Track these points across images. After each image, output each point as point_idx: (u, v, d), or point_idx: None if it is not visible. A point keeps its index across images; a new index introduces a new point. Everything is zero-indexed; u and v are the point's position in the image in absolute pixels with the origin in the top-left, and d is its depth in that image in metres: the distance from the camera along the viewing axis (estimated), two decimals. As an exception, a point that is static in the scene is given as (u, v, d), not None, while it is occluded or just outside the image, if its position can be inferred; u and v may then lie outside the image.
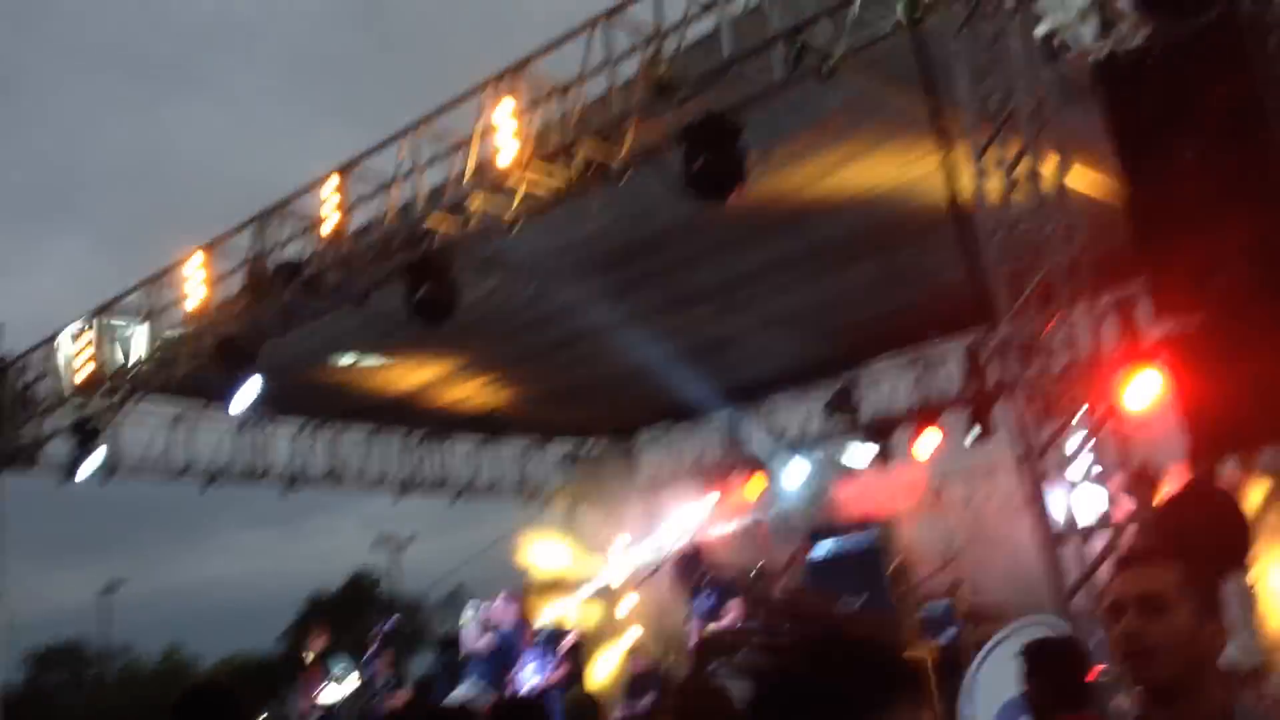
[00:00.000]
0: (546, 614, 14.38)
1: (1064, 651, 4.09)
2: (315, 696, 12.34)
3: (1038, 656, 4.01)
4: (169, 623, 46.01)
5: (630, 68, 8.11)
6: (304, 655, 12.93)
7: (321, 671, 12.48)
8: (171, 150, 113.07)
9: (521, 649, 11.97)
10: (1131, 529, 6.21)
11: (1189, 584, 2.35)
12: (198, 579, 69.12)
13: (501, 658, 11.96)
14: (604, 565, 16.99)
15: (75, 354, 11.56)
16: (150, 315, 11.23)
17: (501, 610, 12.37)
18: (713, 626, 11.39)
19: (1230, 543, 7.84)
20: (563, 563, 16.81)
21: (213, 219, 10.82)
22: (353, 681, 12.65)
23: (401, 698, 12.72)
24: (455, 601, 40.53)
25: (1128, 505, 6.36)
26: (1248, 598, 7.79)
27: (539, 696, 11.65)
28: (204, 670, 43.37)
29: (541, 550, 16.45)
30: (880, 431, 14.48)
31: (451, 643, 13.87)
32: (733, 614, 11.65)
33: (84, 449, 12.01)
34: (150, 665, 42.61)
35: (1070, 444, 6.46)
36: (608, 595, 16.50)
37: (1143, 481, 9.73)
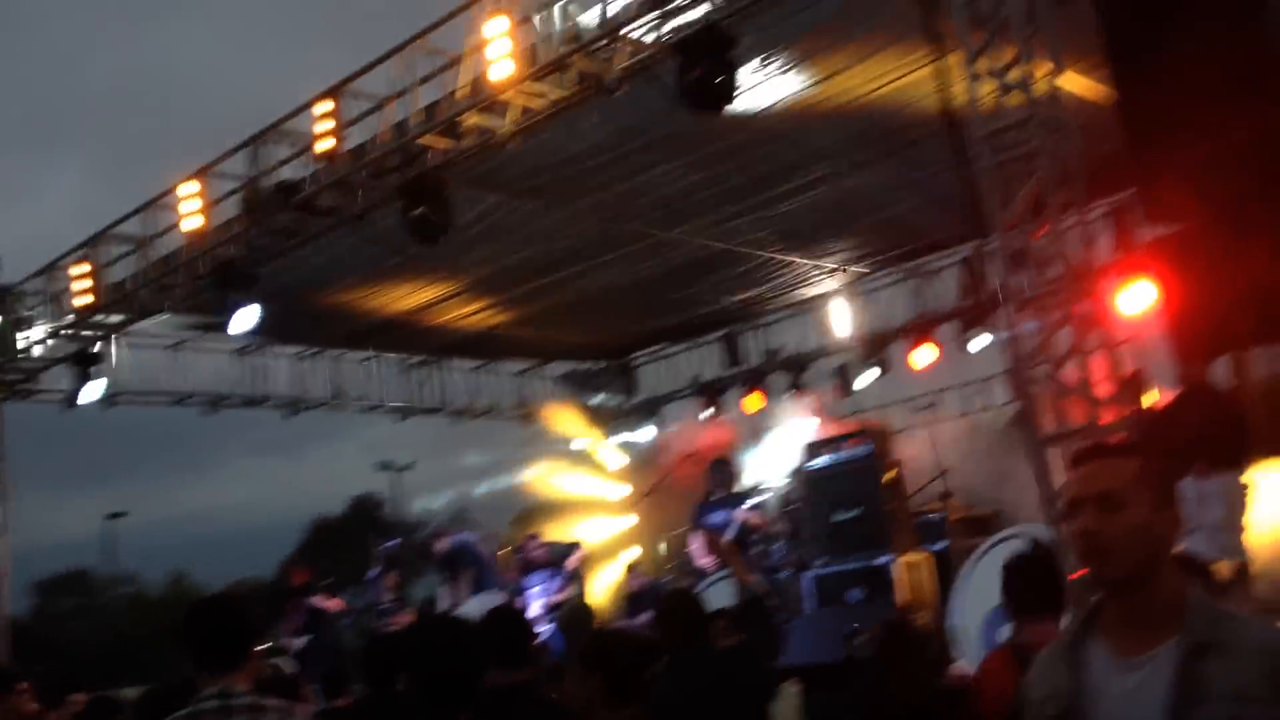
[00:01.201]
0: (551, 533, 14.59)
1: (1037, 562, 4.21)
2: (296, 625, 12.57)
3: (1012, 570, 4.14)
4: (174, 550, 46.53)
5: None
6: (289, 587, 13.15)
7: (302, 606, 12.69)
8: (163, 73, 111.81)
9: (478, 555, 12.28)
10: (1119, 432, 6.30)
11: (1145, 476, 2.38)
12: (202, 506, 69.90)
13: (453, 562, 12.27)
14: (604, 483, 17.23)
15: (73, 280, 11.57)
16: (147, 241, 11.22)
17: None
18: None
19: (1225, 442, 7.96)
20: (566, 482, 17.03)
21: (207, 142, 10.78)
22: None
23: (405, 618, 12.91)
24: (458, 523, 41.05)
25: (1116, 411, 6.44)
26: (1238, 498, 7.92)
27: (547, 614, 11.90)
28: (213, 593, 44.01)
29: (545, 471, 16.68)
30: (874, 347, 14.57)
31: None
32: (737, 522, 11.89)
33: (84, 376, 12.09)
34: (157, 592, 43.15)
35: (1058, 352, 6.52)
36: (608, 513, 16.75)
37: (1134, 386, 9.87)
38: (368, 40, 9.58)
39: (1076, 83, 8.15)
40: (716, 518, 12.00)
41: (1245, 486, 7.94)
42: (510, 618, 4.70)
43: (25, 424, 14.09)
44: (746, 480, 13.36)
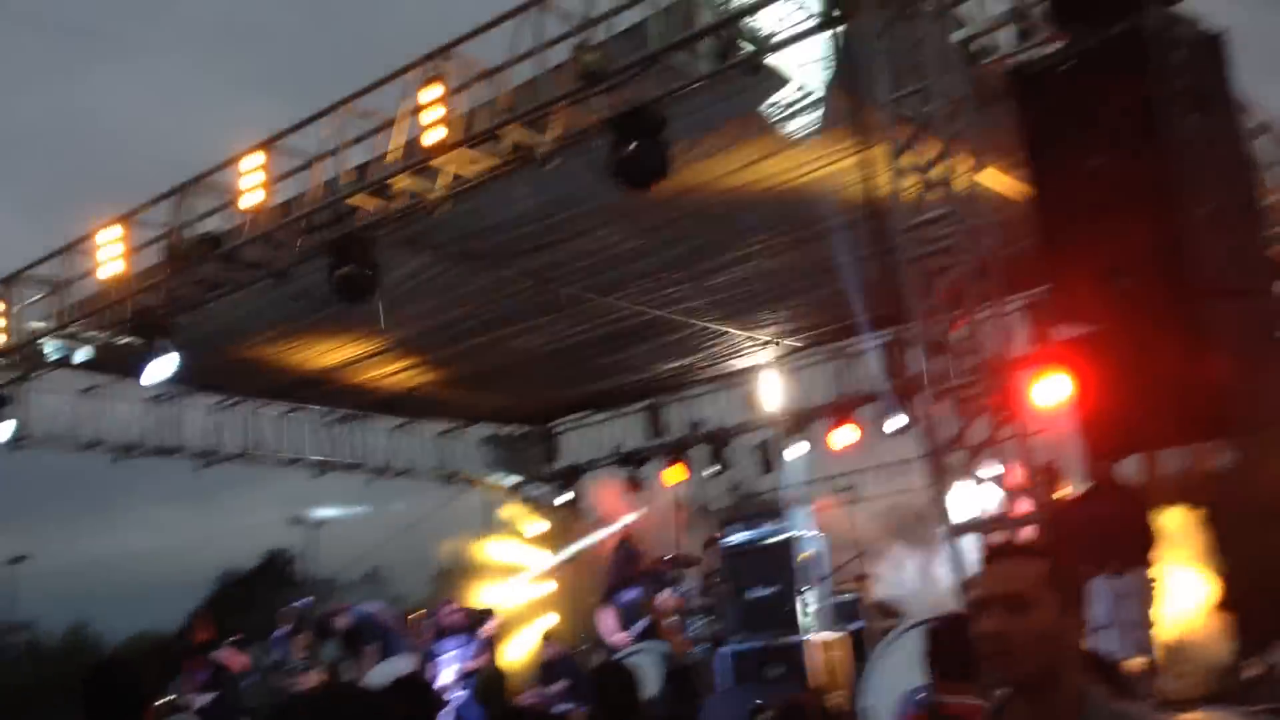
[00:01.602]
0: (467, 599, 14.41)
1: (957, 629, 4.25)
2: (198, 682, 12.22)
3: (933, 635, 4.19)
4: (77, 598, 45.07)
5: (559, 54, 8.12)
6: (191, 642, 12.78)
7: (205, 662, 12.34)
8: (90, 117, 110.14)
9: (381, 626, 12.10)
10: (1030, 525, 6.40)
11: (1052, 579, 2.39)
12: (107, 554, 67.76)
13: (356, 637, 12.08)
14: (522, 550, 17.09)
15: (-14, 321, 11.30)
16: (64, 285, 11.01)
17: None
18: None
19: (1132, 539, 8.13)
20: (484, 546, 16.88)
21: (131, 189, 10.62)
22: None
23: (313, 679, 12.60)
24: (371, 582, 40.33)
25: (1028, 503, 6.54)
26: (1146, 595, 8.07)
27: (461, 680, 11.69)
28: (108, 648, 42.61)
29: (463, 534, 16.55)
30: (798, 425, 14.70)
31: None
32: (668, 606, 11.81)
33: (-5, 418, 11.78)
34: (54, 641, 41.70)
35: (974, 441, 6.63)
36: (525, 580, 16.60)
37: (1047, 479, 10.04)
38: (302, 95, 9.58)
39: (996, 180, 8.40)
40: (629, 595, 11.95)
41: (1152, 583, 8.11)
42: (416, 686, 4.63)
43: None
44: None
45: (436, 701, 4.45)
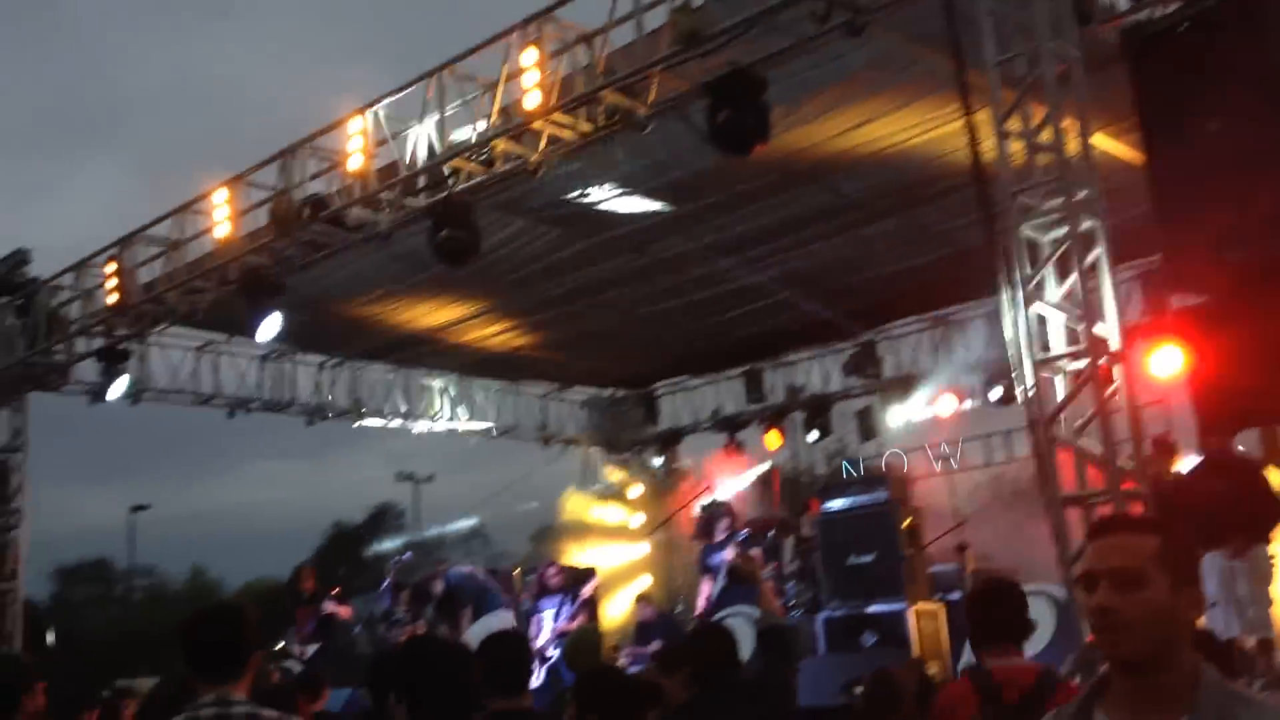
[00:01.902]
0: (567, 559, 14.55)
1: (998, 593, 4.17)
2: (306, 632, 12.56)
3: (974, 601, 4.18)
4: (194, 546, 46.73)
5: (657, 18, 8.05)
6: (300, 592, 13.14)
7: (314, 612, 12.68)
8: (207, 79, 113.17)
9: (476, 587, 12.19)
10: (1138, 499, 6.21)
11: (1164, 555, 2.28)
12: (223, 505, 70.13)
13: (452, 600, 12.19)
14: (620, 512, 17.21)
15: (105, 278, 11.69)
16: (178, 244, 11.32)
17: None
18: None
19: (1251, 514, 7.84)
20: (585, 507, 17.05)
21: (246, 149, 10.86)
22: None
23: (412, 632, 12.86)
24: (474, 539, 41.09)
25: (1136, 476, 6.35)
26: (1264, 571, 7.78)
27: (556, 639, 11.80)
28: (228, 592, 44.15)
29: (564, 494, 16.72)
30: (899, 393, 14.49)
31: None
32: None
33: (112, 371, 12.21)
34: (176, 586, 43.35)
35: (1082, 412, 6.45)
36: (624, 541, 16.73)
37: (1161, 452, 9.73)
38: (406, 60, 9.65)
39: (1107, 145, 8.10)
40: (717, 557, 11.92)
41: (1272, 559, 7.82)
42: (509, 643, 4.64)
43: (55, 414, 14.26)
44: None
45: (524, 656, 4.45)
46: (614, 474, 18.09)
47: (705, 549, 12.26)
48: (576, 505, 17.20)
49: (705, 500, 13.71)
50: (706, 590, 11.83)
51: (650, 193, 10.54)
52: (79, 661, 26.33)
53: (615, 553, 16.40)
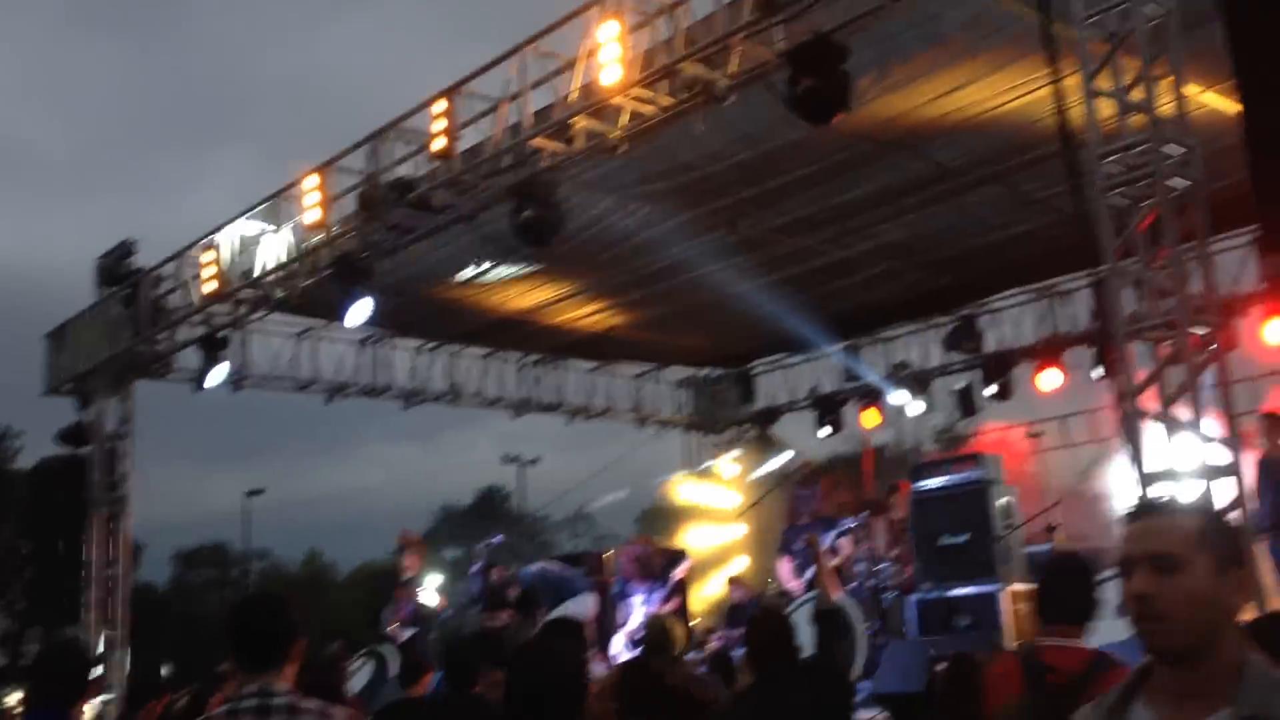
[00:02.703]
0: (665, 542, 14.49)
1: (1063, 571, 3.98)
2: (403, 616, 12.68)
3: (1044, 576, 4.02)
4: (307, 529, 48.05)
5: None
6: (401, 573, 13.28)
7: (410, 596, 12.79)
8: (328, 69, 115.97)
9: (555, 580, 12.08)
10: (1229, 476, 5.91)
11: (1204, 536, 2.16)
12: (336, 488, 71.89)
13: (529, 601, 12.09)
14: (718, 492, 17.11)
15: (203, 267, 11.97)
16: (274, 231, 11.53)
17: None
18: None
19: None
20: (684, 488, 17.00)
21: (343, 138, 10.96)
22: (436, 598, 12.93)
23: (503, 618, 12.84)
24: (579, 520, 41.44)
25: (1228, 453, 6.04)
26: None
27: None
28: (341, 575, 45.28)
29: (664, 476, 16.69)
30: (1000, 368, 14.10)
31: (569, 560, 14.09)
32: (843, 551, 11.52)
33: (211, 359, 12.50)
34: (291, 568, 44.57)
35: (1171, 386, 6.16)
36: (719, 522, 16.63)
37: (1273, 425, 9.29)
38: (495, 40, 9.66)
39: (1212, 103, 7.73)
40: (800, 540, 11.68)
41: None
42: (561, 627, 4.62)
43: (173, 401, 14.71)
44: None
45: (577, 641, 4.39)
46: (712, 453, 18.01)
47: (788, 529, 12.03)
48: (677, 487, 17.15)
49: (801, 480, 13.49)
50: (785, 570, 11.57)
51: (738, 166, 10.38)
52: (198, 643, 27.27)
53: (712, 534, 16.32)
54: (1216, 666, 2.12)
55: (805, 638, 5.03)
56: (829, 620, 4.94)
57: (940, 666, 7.22)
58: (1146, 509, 2.32)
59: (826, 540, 11.52)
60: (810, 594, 10.76)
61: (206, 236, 12.07)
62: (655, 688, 4.28)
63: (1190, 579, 2.12)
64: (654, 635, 8.50)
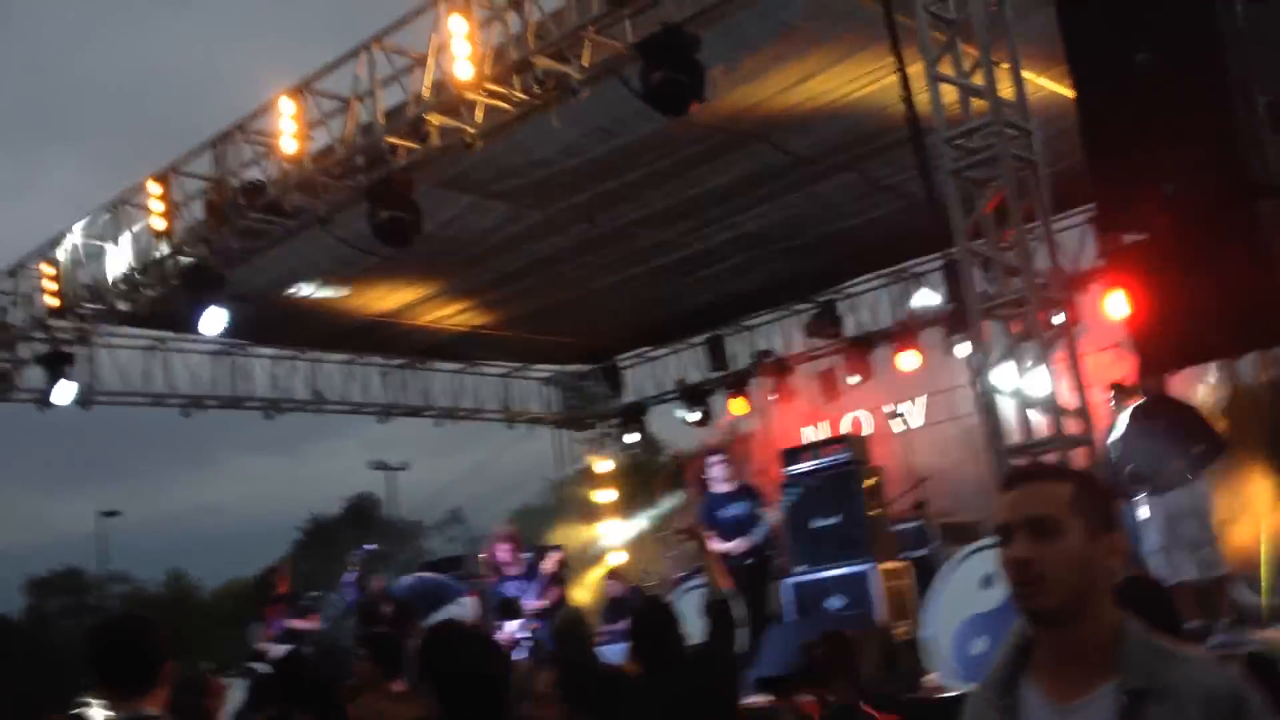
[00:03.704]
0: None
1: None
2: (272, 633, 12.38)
3: None
4: (170, 549, 46.44)
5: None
6: (271, 591, 12.96)
7: (287, 609, 12.50)
8: (162, 68, 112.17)
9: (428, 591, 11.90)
10: (1082, 446, 6.15)
11: (1078, 500, 2.19)
12: (197, 505, 69.84)
13: (405, 615, 11.85)
14: (590, 488, 17.13)
15: (43, 280, 11.45)
16: (116, 241, 11.09)
17: None
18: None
19: (1190, 452, 7.81)
20: (554, 487, 16.95)
21: (183, 140, 10.58)
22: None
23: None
24: (453, 523, 40.99)
25: (1079, 423, 6.28)
26: (1207, 510, 7.75)
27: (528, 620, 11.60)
28: (206, 595, 43.94)
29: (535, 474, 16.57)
30: (860, 351, 14.42)
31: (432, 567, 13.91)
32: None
33: (56, 376, 11.97)
34: (154, 590, 43.08)
35: (1026, 360, 6.37)
36: (596, 518, 16.65)
37: (1121, 395, 9.69)
38: (340, 37, 9.43)
39: (1051, 87, 8.00)
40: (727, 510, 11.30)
41: (1211, 496, 7.80)
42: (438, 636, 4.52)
43: (16, 423, 14.02)
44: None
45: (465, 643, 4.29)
46: (581, 450, 18.01)
47: (708, 500, 11.11)
48: (548, 485, 17.13)
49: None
50: (726, 545, 10.32)
51: (595, 160, 10.37)
52: (56, 672, 26.14)
53: (587, 530, 16.33)
54: (1094, 630, 2.15)
55: (693, 627, 5.02)
56: (720, 610, 4.94)
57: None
58: (1023, 475, 2.33)
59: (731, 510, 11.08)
60: (691, 583, 10.84)
61: (44, 247, 11.54)
62: (595, 678, 4.25)
63: (1067, 542, 2.14)
64: (570, 626, 8.38)
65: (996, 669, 2.29)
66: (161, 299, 11.20)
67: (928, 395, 14.02)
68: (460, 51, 8.25)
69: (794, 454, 11.57)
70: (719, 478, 10.63)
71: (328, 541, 39.74)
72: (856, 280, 14.64)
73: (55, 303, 11.28)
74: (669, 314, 15.01)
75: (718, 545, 9.67)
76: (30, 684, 23.41)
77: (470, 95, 8.50)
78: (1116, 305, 10.72)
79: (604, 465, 17.42)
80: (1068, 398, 6.31)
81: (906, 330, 14.05)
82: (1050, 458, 6.06)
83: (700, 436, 15.80)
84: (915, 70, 7.07)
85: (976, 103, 6.55)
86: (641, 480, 18.59)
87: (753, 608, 9.35)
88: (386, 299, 13.32)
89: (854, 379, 14.47)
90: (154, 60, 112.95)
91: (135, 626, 3.61)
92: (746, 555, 10.18)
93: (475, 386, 17.03)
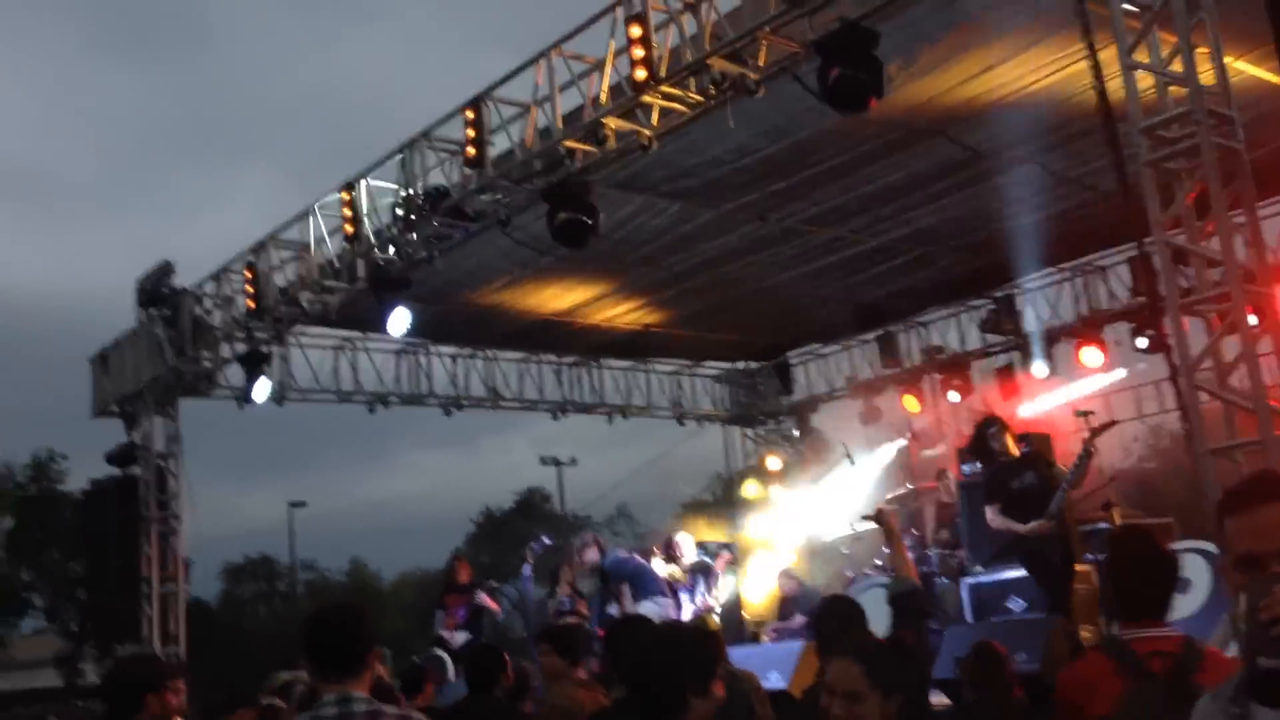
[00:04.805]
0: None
1: (1148, 560, 3.71)
2: (452, 625, 12.72)
3: (1120, 567, 3.72)
4: (351, 538, 48.33)
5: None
6: (453, 579, 13.34)
7: (464, 601, 12.84)
8: (349, 83, 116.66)
9: (631, 571, 11.80)
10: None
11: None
12: (378, 497, 72.37)
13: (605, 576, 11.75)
14: (760, 485, 17.09)
15: (243, 284, 12.08)
16: (309, 246, 11.62)
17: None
18: None
19: None
20: (724, 484, 16.99)
21: (384, 149, 11.01)
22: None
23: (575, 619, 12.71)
24: (621, 518, 41.47)
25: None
26: None
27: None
28: (386, 584, 45.53)
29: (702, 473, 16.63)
30: (1040, 348, 14.01)
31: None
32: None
33: (254, 374, 12.61)
34: (337, 578, 44.84)
35: (1227, 358, 6.10)
36: (766, 515, 16.59)
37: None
38: (521, 45, 9.69)
39: (1251, 72, 7.65)
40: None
41: None
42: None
43: (216, 419, 14.86)
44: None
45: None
46: (752, 447, 18.00)
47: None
48: (717, 481, 17.18)
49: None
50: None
51: (769, 159, 10.36)
52: (248, 656, 27.50)
53: (759, 527, 16.30)
54: None
55: (879, 622, 4.93)
56: (907, 602, 4.83)
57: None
58: (1257, 493, 2.14)
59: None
60: (879, 577, 10.73)
61: (243, 253, 12.17)
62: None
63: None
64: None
65: (1230, 679, 2.22)
66: (350, 301, 11.67)
67: (1111, 393, 13.54)
68: (637, 54, 8.34)
69: (969, 452, 11.33)
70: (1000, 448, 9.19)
71: (499, 534, 40.72)
72: (1035, 276, 14.22)
73: (253, 305, 11.86)
74: (840, 311, 14.88)
75: (1012, 525, 8.69)
76: (226, 666, 24.61)
77: (647, 98, 8.59)
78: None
79: (774, 462, 17.36)
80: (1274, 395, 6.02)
81: (1089, 325, 13.58)
82: (1256, 460, 5.79)
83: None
84: (1105, 57, 6.86)
85: (1174, 90, 6.30)
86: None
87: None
88: (561, 298, 13.59)
89: (1040, 374, 14.03)
90: (343, 75, 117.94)
91: (347, 613, 3.79)
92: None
93: (646, 384, 17.20)
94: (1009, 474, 8.79)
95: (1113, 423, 9.09)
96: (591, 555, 11.51)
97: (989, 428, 9.06)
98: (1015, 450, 9.05)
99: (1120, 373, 13.49)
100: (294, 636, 4.07)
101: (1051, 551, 8.39)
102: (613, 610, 11.19)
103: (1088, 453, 8.35)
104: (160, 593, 13.76)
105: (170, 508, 14.01)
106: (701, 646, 3.39)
